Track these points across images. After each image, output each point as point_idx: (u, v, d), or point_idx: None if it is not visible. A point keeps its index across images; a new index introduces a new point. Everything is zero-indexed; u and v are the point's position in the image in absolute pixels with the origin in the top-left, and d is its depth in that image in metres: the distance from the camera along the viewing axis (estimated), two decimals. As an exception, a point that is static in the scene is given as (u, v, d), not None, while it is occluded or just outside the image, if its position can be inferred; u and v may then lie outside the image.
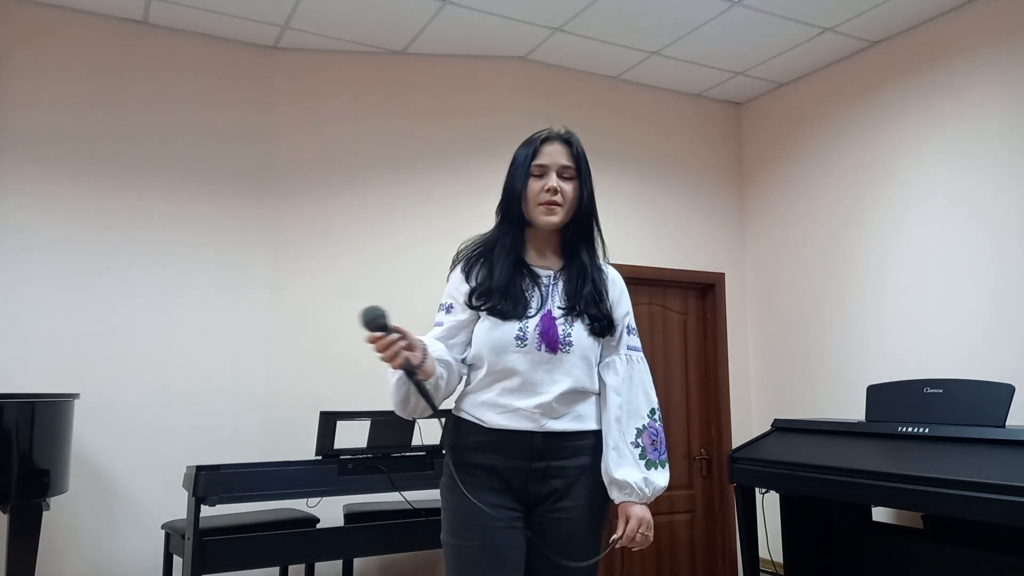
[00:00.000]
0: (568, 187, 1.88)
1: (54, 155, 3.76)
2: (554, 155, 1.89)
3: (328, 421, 3.30)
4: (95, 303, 3.74)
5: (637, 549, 1.80)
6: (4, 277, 3.61)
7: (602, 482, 1.85)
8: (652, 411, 1.90)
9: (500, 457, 1.80)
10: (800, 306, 4.66)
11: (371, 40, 4.23)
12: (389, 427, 3.41)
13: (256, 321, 4.05)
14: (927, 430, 3.12)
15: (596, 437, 1.87)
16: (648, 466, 1.83)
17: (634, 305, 4.66)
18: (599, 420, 1.89)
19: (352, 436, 3.50)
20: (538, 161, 1.89)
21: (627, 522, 1.80)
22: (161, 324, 3.86)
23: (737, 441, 4.76)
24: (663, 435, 1.90)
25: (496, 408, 1.82)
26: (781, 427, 3.80)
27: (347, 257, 4.19)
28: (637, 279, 4.68)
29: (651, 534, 1.82)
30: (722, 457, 4.73)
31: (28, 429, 2.96)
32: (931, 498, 2.79)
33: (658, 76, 4.76)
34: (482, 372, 1.85)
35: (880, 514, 3.95)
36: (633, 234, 4.68)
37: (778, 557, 4.40)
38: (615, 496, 1.83)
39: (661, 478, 1.84)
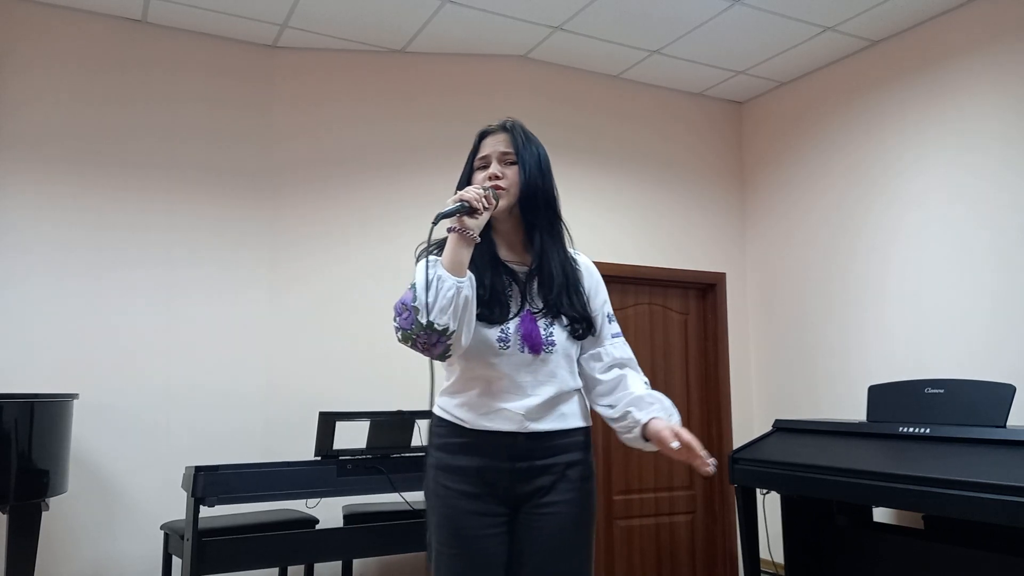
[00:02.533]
0: (510, 171, 1.86)
1: (53, 154, 3.76)
2: (493, 145, 1.90)
3: (327, 422, 3.29)
4: (94, 303, 3.74)
5: (698, 459, 1.72)
6: (3, 277, 3.60)
7: (591, 478, 1.86)
8: (646, 383, 1.93)
9: (482, 459, 1.77)
10: (801, 306, 4.65)
11: (371, 39, 4.22)
12: (388, 428, 3.41)
13: (255, 321, 4.05)
14: (928, 430, 3.11)
15: (583, 434, 1.87)
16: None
17: (634, 305, 4.72)
18: (584, 416, 1.89)
19: (351, 437, 3.50)
20: (480, 155, 1.91)
21: (675, 431, 1.73)
22: (161, 324, 3.85)
23: (738, 441, 4.76)
24: None
25: (477, 409, 1.79)
26: (782, 427, 3.79)
27: (346, 255, 4.19)
28: (637, 279, 4.67)
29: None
30: (723, 457, 4.72)
31: (27, 429, 2.96)
32: (932, 498, 2.78)
33: (659, 75, 4.75)
34: (459, 372, 1.83)
35: (881, 514, 3.94)
36: (633, 234, 4.67)
37: (779, 557, 4.39)
38: (643, 414, 1.81)
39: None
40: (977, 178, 3.77)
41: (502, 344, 1.77)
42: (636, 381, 1.90)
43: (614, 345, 1.94)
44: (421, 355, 1.70)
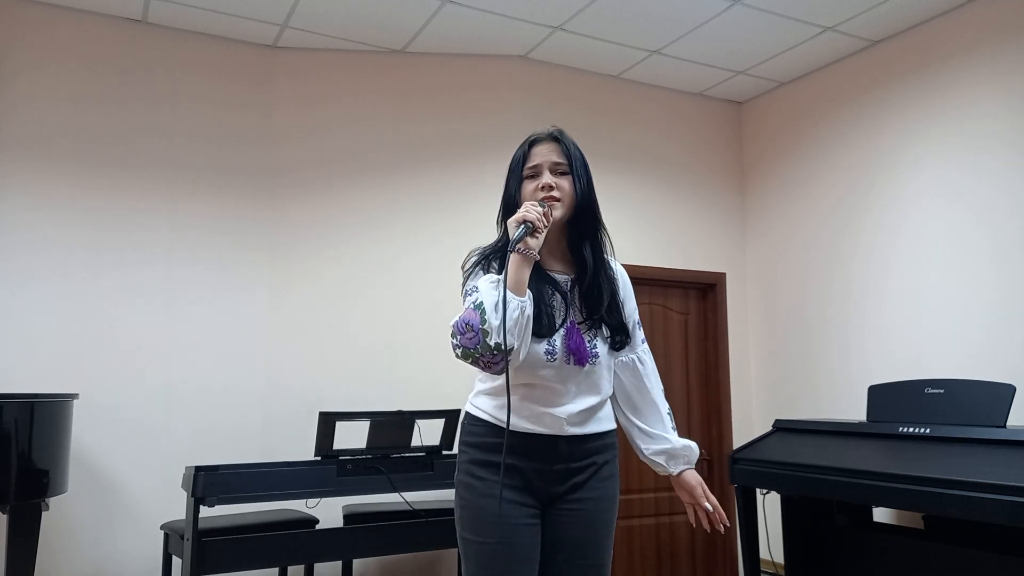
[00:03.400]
0: (563, 182, 1.87)
1: (54, 154, 3.76)
2: (544, 154, 1.90)
3: (327, 421, 3.29)
4: (95, 303, 3.74)
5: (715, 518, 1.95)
6: (4, 277, 3.60)
7: (616, 476, 1.92)
8: (669, 413, 2.05)
9: (523, 459, 1.82)
10: (801, 306, 4.65)
11: (371, 39, 4.22)
12: (388, 428, 3.41)
13: (256, 321, 4.05)
14: (928, 430, 3.11)
15: (613, 436, 1.94)
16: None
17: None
18: (613, 419, 1.96)
19: (351, 437, 3.50)
20: (529, 163, 1.90)
21: (703, 492, 1.94)
22: (161, 324, 3.86)
23: (738, 441, 4.76)
24: None
25: (519, 412, 1.82)
26: (782, 427, 3.79)
27: (346, 255, 4.19)
28: (637, 279, 4.63)
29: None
30: (723, 458, 4.73)
31: (27, 429, 2.96)
32: (931, 498, 2.78)
33: (658, 75, 4.75)
34: (502, 376, 1.84)
35: (881, 514, 3.94)
36: (633, 234, 4.67)
37: (779, 557, 4.39)
38: (672, 466, 1.96)
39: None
40: (977, 178, 3.77)
41: (549, 356, 1.81)
42: (665, 416, 2.01)
43: (645, 351, 2.02)
44: (476, 367, 1.75)
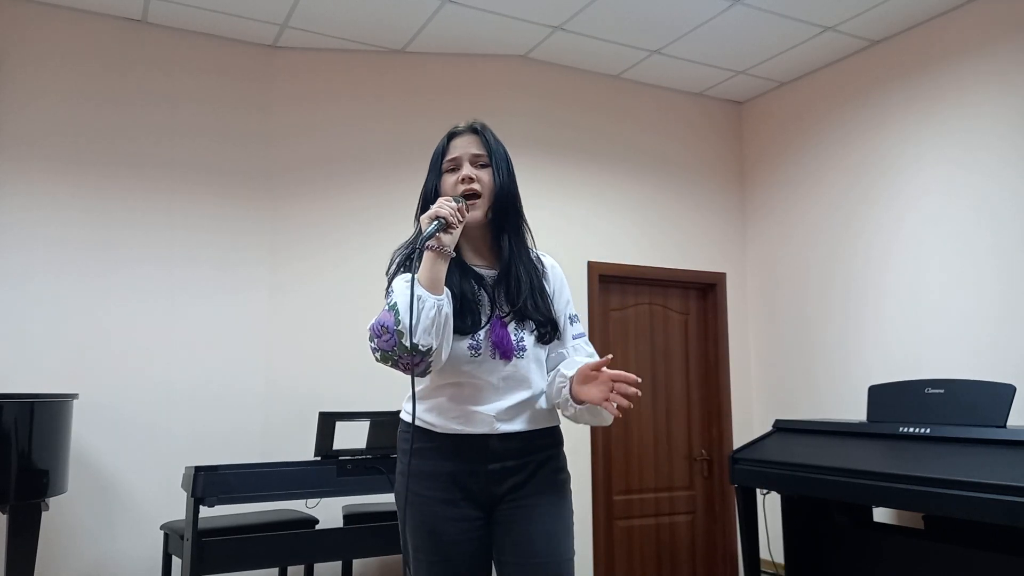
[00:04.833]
0: (483, 174, 1.84)
1: (53, 154, 3.76)
2: (464, 146, 1.87)
3: (327, 422, 3.29)
4: (94, 302, 3.74)
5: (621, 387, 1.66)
6: (3, 277, 3.60)
7: (564, 472, 1.86)
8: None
9: (454, 463, 1.77)
10: (801, 306, 4.65)
11: (370, 39, 4.22)
12: (388, 428, 3.41)
13: (255, 321, 4.05)
14: (928, 430, 3.11)
15: (553, 433, 1.87)
16: None
17: (634, 305, 4.72)
18: (554, 416, 1.88)
19: (351, 437, 3.50)
20: (449, 156, 1.88)
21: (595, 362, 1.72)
22: (161, 323, 3.85)
23: (738, 442, 4.76)
24: None
25: (447, 413, 1.78)
26: (782, 428, 3.79)
27: (346, 255, 4.19)
28: (637, 279, 4.67)
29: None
30: (723, 458, 4.72)
31: (27, 429, 2.95)
32: (932, 498, 2.78)
33: (659, 75, 4.75)
34: (428, 378, 1.80)
35: (881, 514, 3.94)
36: (633, 234, 4.67)
37: (779, 558, 4.39)
38: (570, 371, 1.77)
39: None
40: (977, 178, 3.77)
41: (474, 351, 1.76)
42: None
43: (576, 347, 1.92)
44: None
